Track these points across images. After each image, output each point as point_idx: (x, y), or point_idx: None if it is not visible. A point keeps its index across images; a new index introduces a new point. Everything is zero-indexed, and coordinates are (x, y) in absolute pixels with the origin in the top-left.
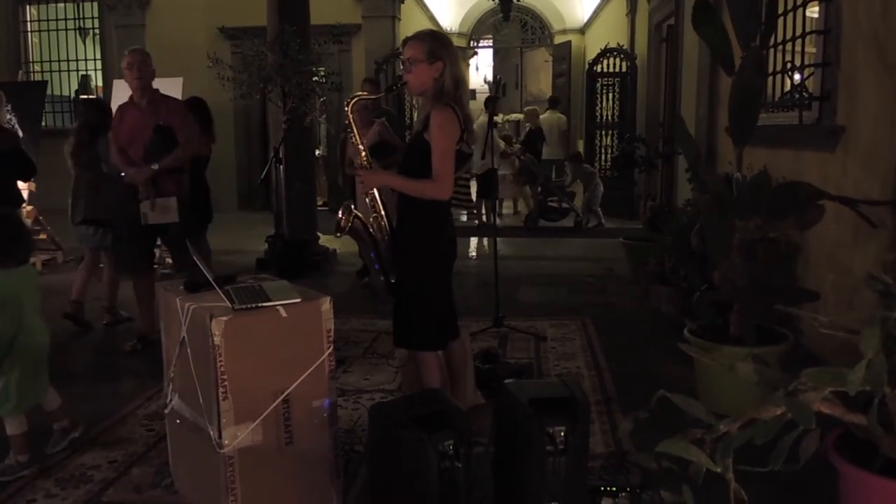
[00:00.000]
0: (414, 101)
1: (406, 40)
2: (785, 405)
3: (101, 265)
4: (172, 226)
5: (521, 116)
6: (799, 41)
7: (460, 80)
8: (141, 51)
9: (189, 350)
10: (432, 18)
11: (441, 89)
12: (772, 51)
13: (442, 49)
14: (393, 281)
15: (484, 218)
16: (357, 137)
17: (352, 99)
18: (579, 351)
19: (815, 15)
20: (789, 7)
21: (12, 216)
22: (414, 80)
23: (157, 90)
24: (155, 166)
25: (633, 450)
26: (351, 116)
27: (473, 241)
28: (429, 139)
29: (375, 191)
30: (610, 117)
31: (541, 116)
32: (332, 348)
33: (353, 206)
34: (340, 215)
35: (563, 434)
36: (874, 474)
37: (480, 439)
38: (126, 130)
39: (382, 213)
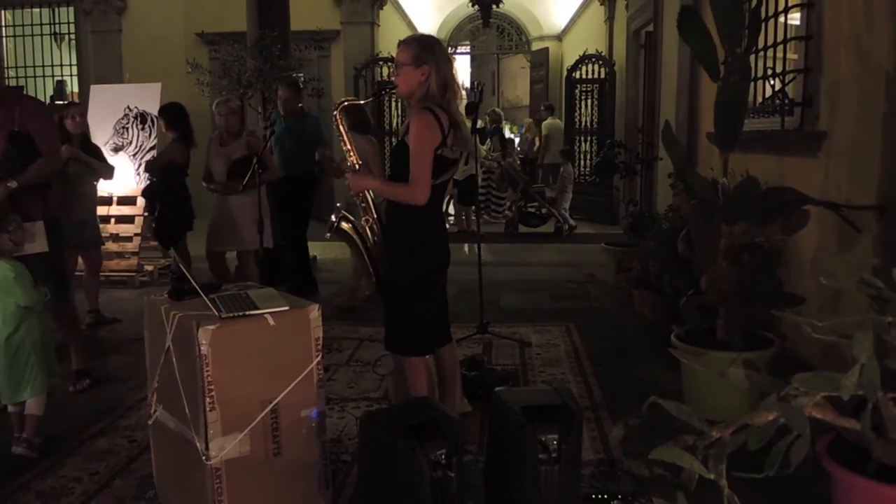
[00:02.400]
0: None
1: (398, 43)
2: (779, 410)
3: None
4: (36, 258)
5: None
6: (780, 47)
7: (449, 84)
8: None
9: (174, 359)
10: (411, 24)
11: (426, 93)
12: (753, 57)
13: (428, 53)
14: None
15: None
16: (348, 143)
17: (339, 103)
18: (564, 357)
19: (797, 22)
20: (770, 13)
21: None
22: (401, 84)
23: (9, 87)
24: (13, 183)
25: (623, 457)
26: (339, 119)
27: (453, 247)
28: (409, 143)
29: (368, 193)
30: (589, 123)
31: (544, 123)
32: (320, 357)
33: (342, 208)
34: (332, 217)
35: (555, 442)
36: (868, 479)
37: (468, 447)
38: None
39: (375, 215)
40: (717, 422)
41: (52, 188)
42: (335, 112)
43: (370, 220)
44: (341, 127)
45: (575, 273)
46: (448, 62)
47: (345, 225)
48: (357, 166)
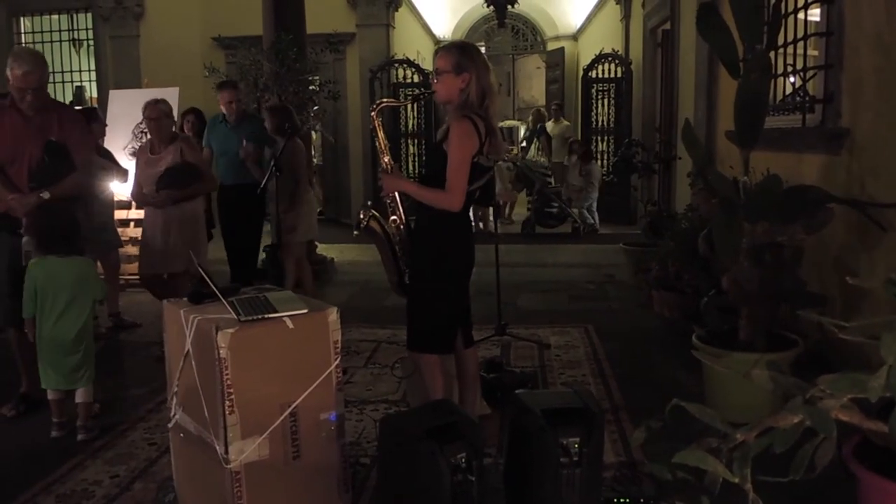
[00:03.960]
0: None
1: (437, 50)
2: (804, 413)
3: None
4: None
5: (515, 123)
6: (801, 44)
7: (488, 92)
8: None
9: (194, 363)
10: (426, 26)
11: (466, 100)
12: (773, 54)
13: (469, 61)
14: (408, 281)
15: (481, 225)
16: (382, 142)
17: (378, 103)
18: (584, 358)
19: (817, 18)
20: (790, 9)
21: (66, 212)
22: (441, 90)
23: (49, 95)
24: (45, 194)
25: (644, 460)
26: (376, 120)
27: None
28: (447, 150)
29: (396, 194)
30: (606, 123)
31: (563, 124)
32: (339, 360)
33: (371, 206)
34: (361, 215)
35: (577, 446)
36: None
37: (488, 450)
38: (6, 144)
39: (402, 216)
40: (741, 424)
41: (81, 201)
42: (373, 112)
43: (398, 220)
44: (378, 128)
45: (593, 274)
46: (487, 69)
47: (374, 224)
48: (390, 168)
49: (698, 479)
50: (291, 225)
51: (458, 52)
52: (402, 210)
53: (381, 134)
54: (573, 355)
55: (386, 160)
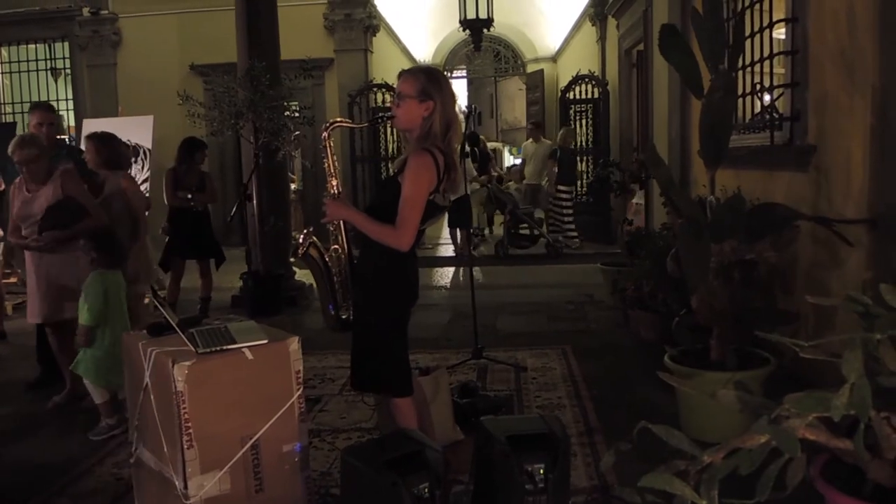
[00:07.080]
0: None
1: (401, 73)
2: (769, 433)
3: None
4: None
5: (497, 145)
6: (767, 62)
7: (452, 123)
8: None
9: (152, 397)
10: (405, 51)
11: (429, 130)
12: (740, 73)
13: (434, 88)
14: (344, 317)
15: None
16: (331, 165)
17: (330, 124)
18: (560, 380)
19: (783, 36)
20: (756, 29)
21: (112, 231)
22: (401, 116)
23: None
24: None
25: (616, 483)
26: (328, 141)
27: (448, 271)
28: (402, 182)
29: (341, 222)
30: (584, 143)
31: (524, 143)
32: (301, 390)
33: (312, 233)
34: (301, 240)
35: (542, 472)
36: (863, 501)
37: (460, 477)
38: None
39: (345, 246)
40: (711, 444)
41: None
42: (325, 133)
43: (339, 249)
44: (329, 149)
45: (573, 294)
46: (453, 98)
47: (313, 252)
48: (337, 193)
49: (668, 502)
50: (133, 274)
51: (424, 78)
52: (345, 239)
53: (331, 156)
54: (550, 377)
55: (334, 184)
